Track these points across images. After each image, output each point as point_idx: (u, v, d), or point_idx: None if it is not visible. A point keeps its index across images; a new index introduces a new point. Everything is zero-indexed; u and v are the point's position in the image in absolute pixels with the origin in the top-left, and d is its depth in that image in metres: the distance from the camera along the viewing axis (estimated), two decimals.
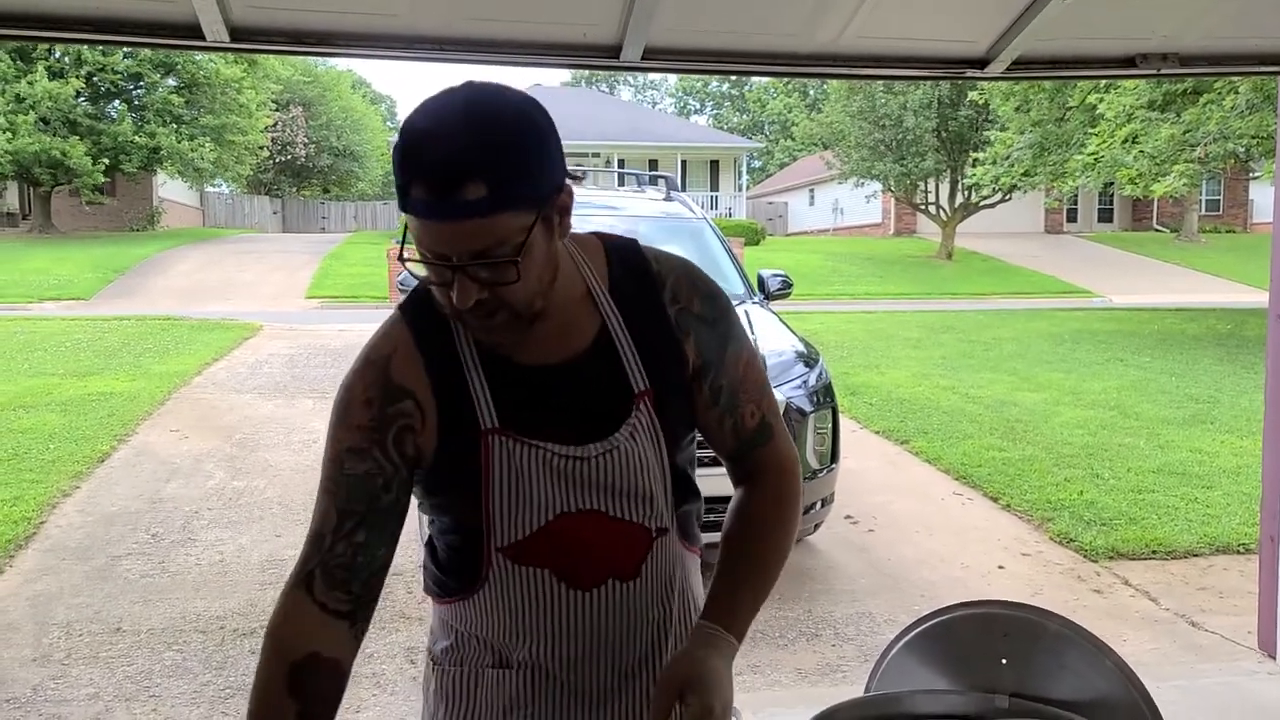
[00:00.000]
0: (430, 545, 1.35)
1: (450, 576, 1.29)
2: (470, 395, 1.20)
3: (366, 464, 1.19)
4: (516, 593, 1.23)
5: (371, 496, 1.19)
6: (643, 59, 2.42)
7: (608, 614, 1.25)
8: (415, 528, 4.98)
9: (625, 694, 1.29)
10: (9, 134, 24.08)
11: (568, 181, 1.12)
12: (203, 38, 2.22)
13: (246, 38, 2.27)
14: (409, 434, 1.20)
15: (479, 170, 1.03)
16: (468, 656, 1.29)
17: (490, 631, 1.27)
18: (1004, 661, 1.33)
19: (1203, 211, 32.78)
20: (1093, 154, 15.46)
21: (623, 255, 1.30)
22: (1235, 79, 12.19)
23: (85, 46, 22.95)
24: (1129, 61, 2.66)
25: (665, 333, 1.26)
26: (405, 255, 1.12)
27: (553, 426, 1.21)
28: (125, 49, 24.64)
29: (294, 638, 1.17)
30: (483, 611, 1.26)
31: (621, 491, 1.23)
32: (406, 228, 1.11)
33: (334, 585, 1.17)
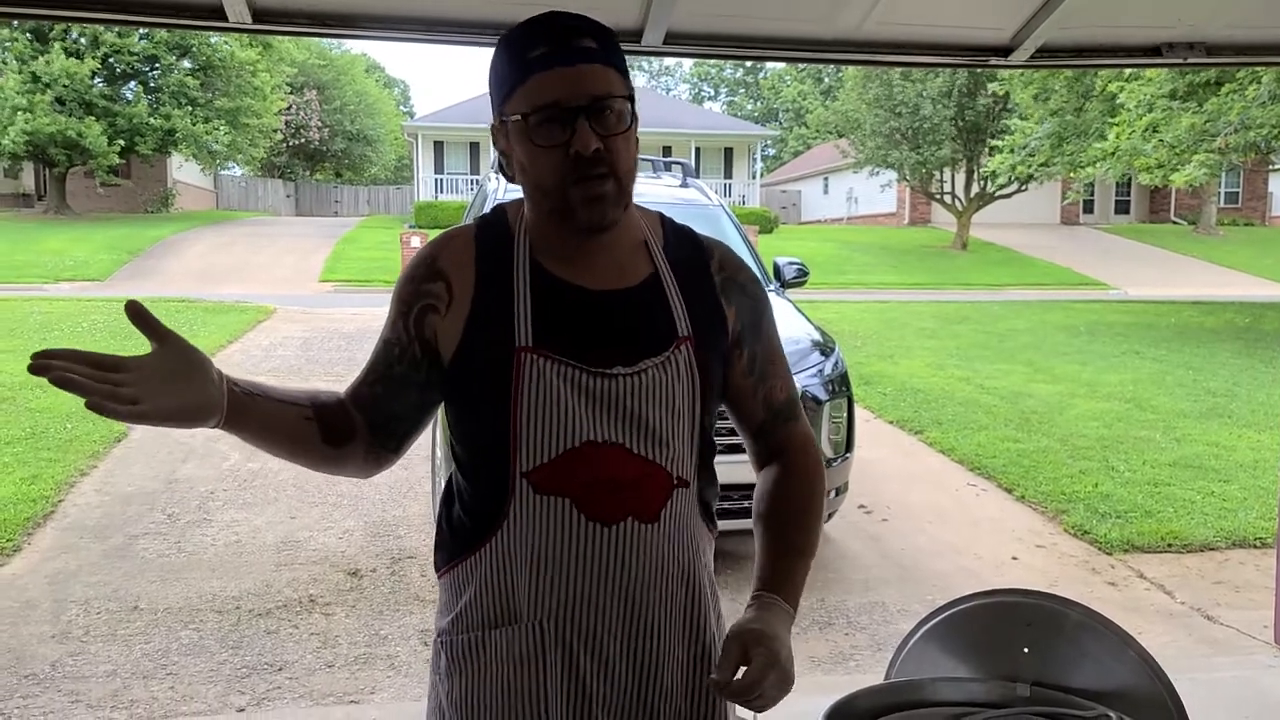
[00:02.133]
0: (446, 500, 1.35)
1: (470, 518, 1.29)
2: (511, 310, 1.26)
3: (391, 333, 1.32)
4: (537, 525, 1.23)
5: (388, 363, 1.32)
6: (664, 43, 2.41)
7: (626, 554, 1.24)
8: (428, 511, 4.97)
9: (641, 652, 1.26)
10: (27, 114, 24.19)
11: None
12: (225, 19, 2.22)
13: (268, 19, 2.27)
14: (430, 313, 1.29)
15: (590, 32, 1.24)
16: (475, 621, 1.28)
17: (505, 578, 1.26)
18: (1025, 650, 1.33)
19: (1221, 204, 32.50)
20: (1112, 144, 15.33)
21: (674, 224, 1.41)
22: (1259, 68, 12.07)
23: (105, 27, 22.98)
24: (1155, 50, 2.63)
25: (710, 295, 1.34)
26: (510, 122, 1.25)
27: (587, 347, 1.25)
28: (142, 30, 24.68)
29: (326, 394, 1.34)
30: (500, 556, 1.26)
31: (645, 425, 1.24)
32: (519, 126, 1.23)
33: (358, 408, 1.33)
